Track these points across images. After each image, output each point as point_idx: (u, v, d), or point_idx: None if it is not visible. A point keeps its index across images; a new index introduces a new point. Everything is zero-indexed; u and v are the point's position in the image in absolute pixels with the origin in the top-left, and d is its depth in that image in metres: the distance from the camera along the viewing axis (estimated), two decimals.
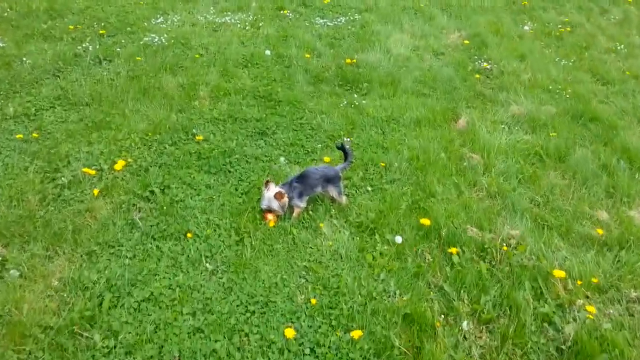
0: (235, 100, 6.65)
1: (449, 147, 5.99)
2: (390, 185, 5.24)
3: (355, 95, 7.11)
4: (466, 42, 9.17)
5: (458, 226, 4.63)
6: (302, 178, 4.71)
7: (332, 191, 4.84)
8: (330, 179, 4.79)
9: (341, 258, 4.30)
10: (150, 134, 5.75)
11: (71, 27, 8.59)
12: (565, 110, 6.96)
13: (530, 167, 5.67)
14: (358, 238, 4.51)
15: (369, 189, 5.17)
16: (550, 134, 6.33)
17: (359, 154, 5.74)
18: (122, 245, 4.25)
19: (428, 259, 4.30)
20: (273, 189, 4.53)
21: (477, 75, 7.97)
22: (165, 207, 4.65)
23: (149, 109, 6.29)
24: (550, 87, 7.67)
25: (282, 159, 5.59)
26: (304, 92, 7.11)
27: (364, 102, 6.91)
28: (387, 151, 5.84)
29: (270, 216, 4.63)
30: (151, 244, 4.29)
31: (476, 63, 8.38)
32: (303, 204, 4.72)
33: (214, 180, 5.13)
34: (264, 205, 4.54)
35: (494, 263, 4.26)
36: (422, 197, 5.06)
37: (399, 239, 4.34)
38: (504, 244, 4.41)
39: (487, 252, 4.35)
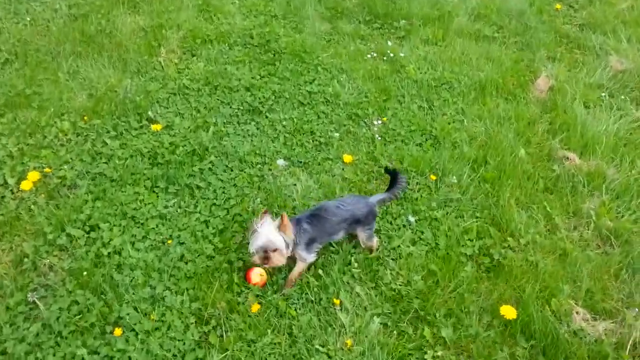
0: (218, 53, 4.65)
1: (530, 135, 4.04)
2: (444, 212, 3.39)
3: (389, 42, 5.03)
4: None
5: (557, 308, 2.83)
6: (316, 218, 2.91)
7: (361, 234, 3.06)
8: (360, 220, 2.98)
9: None
10: (86, 117, 3.87)
11: None
12: None
13: None
14: (395, 331, 2.75)
15: (412, 219, 3.33)
16: None
17: (394, 149, 3.85)
18: (6, 354, 2.57)
19: None
20: (270, 223, 2.74)
21: (558, 6, 5.74)
22: (87, 269, 2.90)
23: (93, 69, 4.36)
24: None
25: (280, 160, 3.72)
26: (315, 35, 5.06)
27: (401, 53, 4.85)
28: (437, 144, 3.92)
29: (257, 277, 2.90)
30: (53, 349, 2.58)
31: None
32: (311, 258, 2.95)
33: (173, 205, 3.33)
34: (258, 245, 2.71)
35: None
36: (496, 240, 3.21)
37: None
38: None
39: None
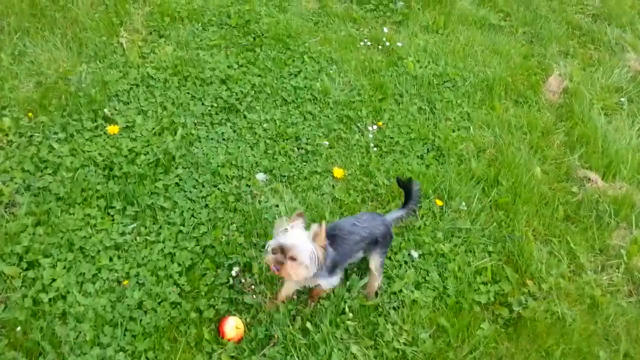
0: (189, 34, 4.00)
1: (545, 148, 3.56)
2: (452, 245, 2.91)
3: (385, 28, 4.43)
4: None
5: None
6: (333, 238, 2.38)
7: (375, 260, 2.57)
8: (378, 241, 2.51)
9: None
10: (31, 113, 3.23)
11: None
12: None
13: None
14: None
15: (415, 254, 2.84)
16: None
17: (392, 162, 3.34)
18: None
19: None
20: (302, 228, 2.24)
21: None
22: (22, 322, 2.34)
23: (43, 50, 3.68)
24: None
25: (260, 174, 3.17)
26: (302, 16, 4.43)
27: (398, 42, 4.27)
28: (441, 157, 3.42)
29: (232, 331, 2.39)
30: None
31: None
32: (336, 280, 2.50)
33: (131, 232, 2.77)
34: (278, 242, 2.17)
35: None
36: (514, 284, 2.75)
37: None
38: None
39: None
